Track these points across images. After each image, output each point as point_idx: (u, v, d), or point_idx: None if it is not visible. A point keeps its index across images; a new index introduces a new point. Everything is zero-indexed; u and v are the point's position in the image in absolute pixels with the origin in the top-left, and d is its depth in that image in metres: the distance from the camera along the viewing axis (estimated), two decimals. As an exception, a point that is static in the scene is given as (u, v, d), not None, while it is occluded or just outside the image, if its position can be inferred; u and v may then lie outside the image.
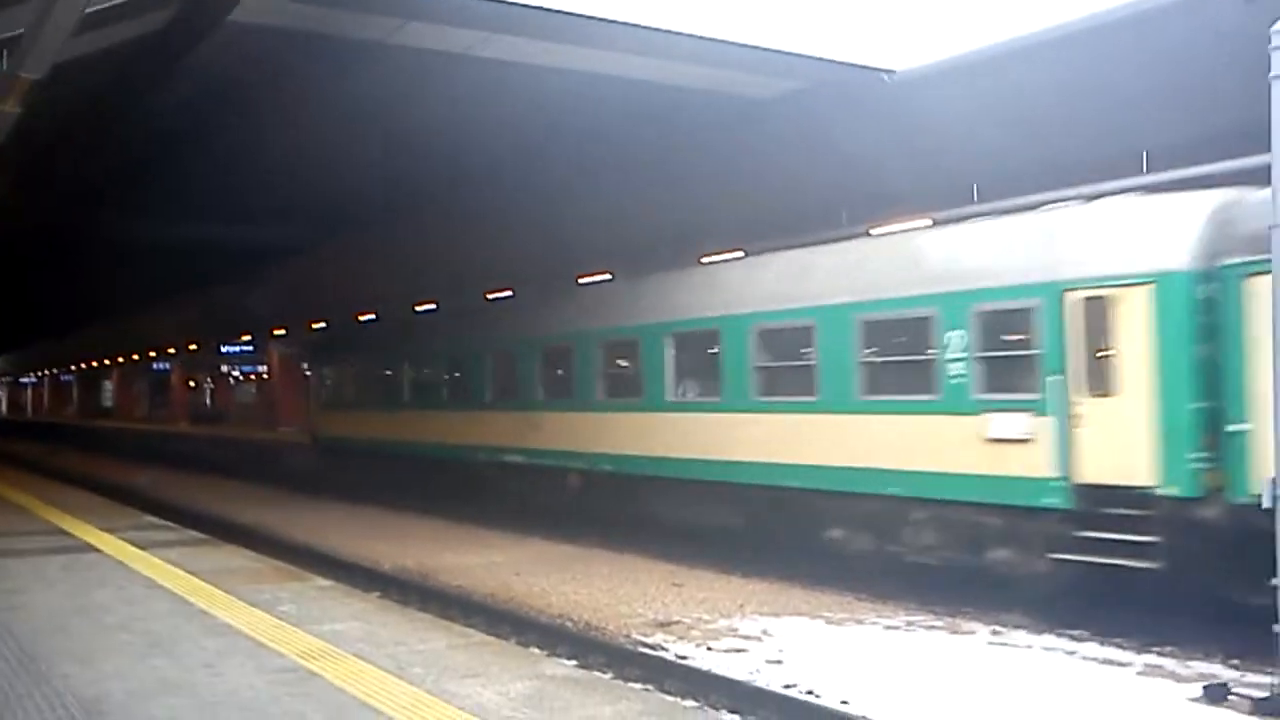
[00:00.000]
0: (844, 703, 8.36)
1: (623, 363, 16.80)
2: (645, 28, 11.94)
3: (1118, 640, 10.01)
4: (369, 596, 11.23)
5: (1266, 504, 7.69)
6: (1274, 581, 7.58)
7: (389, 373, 24.28)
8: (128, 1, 10.90)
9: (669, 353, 15.57)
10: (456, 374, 21.56)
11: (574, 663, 9.35)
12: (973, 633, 10.60)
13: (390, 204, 24.08)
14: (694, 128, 17.53)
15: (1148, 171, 12.87)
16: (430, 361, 22.81)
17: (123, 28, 12.06)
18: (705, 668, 9.48)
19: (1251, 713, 7.78)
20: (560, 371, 18.08)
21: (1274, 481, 7.63)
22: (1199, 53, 11.66)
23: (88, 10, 9.20)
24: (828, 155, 16.71)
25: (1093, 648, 9.92)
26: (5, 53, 10.62)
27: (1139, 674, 9.11)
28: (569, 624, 11.37)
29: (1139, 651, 9.70)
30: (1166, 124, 13.00)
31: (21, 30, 9.72)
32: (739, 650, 10.25)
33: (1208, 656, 9.44)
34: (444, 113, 16.52)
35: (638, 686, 8.77)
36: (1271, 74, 7.88)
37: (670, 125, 17.45)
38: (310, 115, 17.24)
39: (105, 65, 13.17)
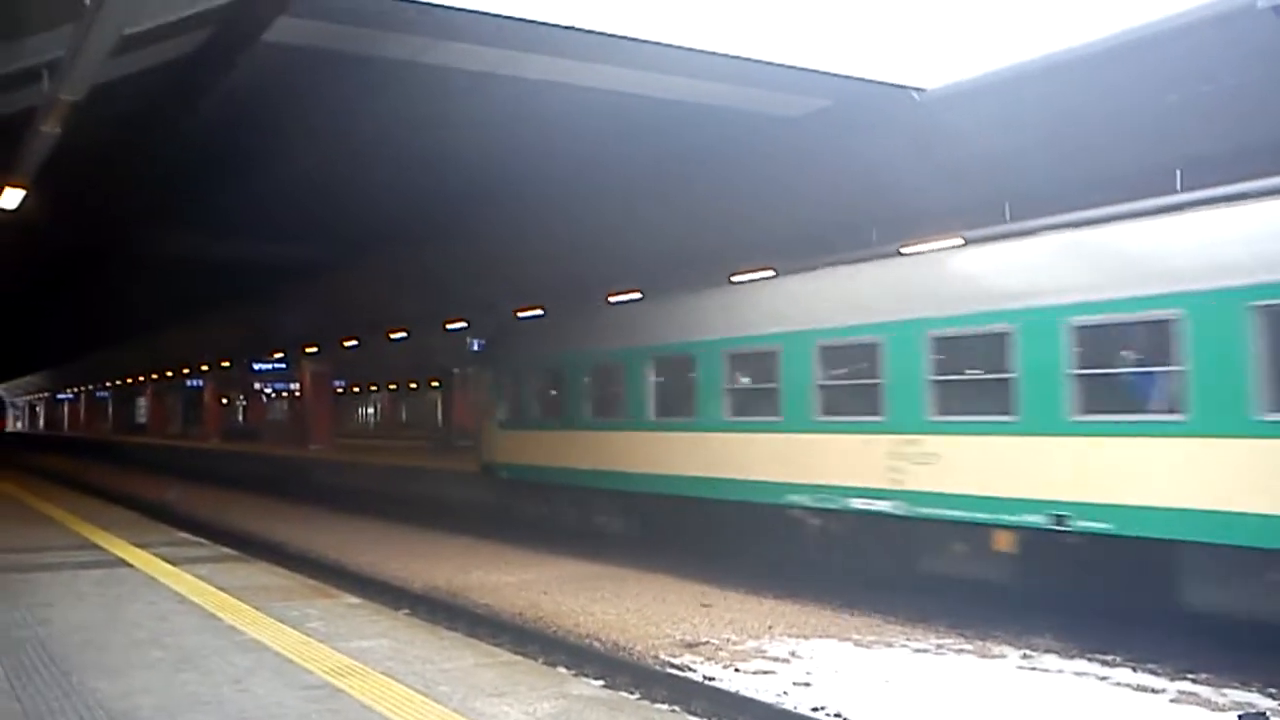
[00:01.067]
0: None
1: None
2: (675, 46, 11.99)
3: (1151, 666, 9.86)
4: (397, 614, 11.24)
5: None
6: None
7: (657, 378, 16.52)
8: (164, 24, 11.06)
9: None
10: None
11: (601, 683, 9.32)
12: (1003, 656, 10.47)
13: (425, 218, 24.17)
14: (724, 145, 17.60)
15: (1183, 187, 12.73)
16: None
17: (159, 49, 12.24)
18: (733, 689, 9.42)
19: (1288, 740, 7.67)
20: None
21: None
22: (1232, 67, 11.59)
23: (125, 33, 9.35)
24: (857, 173, 16.73)
25: (1125, 673, 9.77)
26: (46, 75, 10.81)
27: (1172, 701, 8.96)
28: (596, 644, 11.34)
29: (1172, 678, 9.54)
30: (1201, 137, 12.93)
31: (61, 53, 9.88)
32: (767, 672, 10.19)
33: (1244, 685, 9.28)
34: (475, 133, 16.65)
35: (664, 707, 8.72)
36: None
37: (700, 143, 17.53)
38: (342, 133, 17.43)
39: (141, 86, 13.37)
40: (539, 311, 23.96)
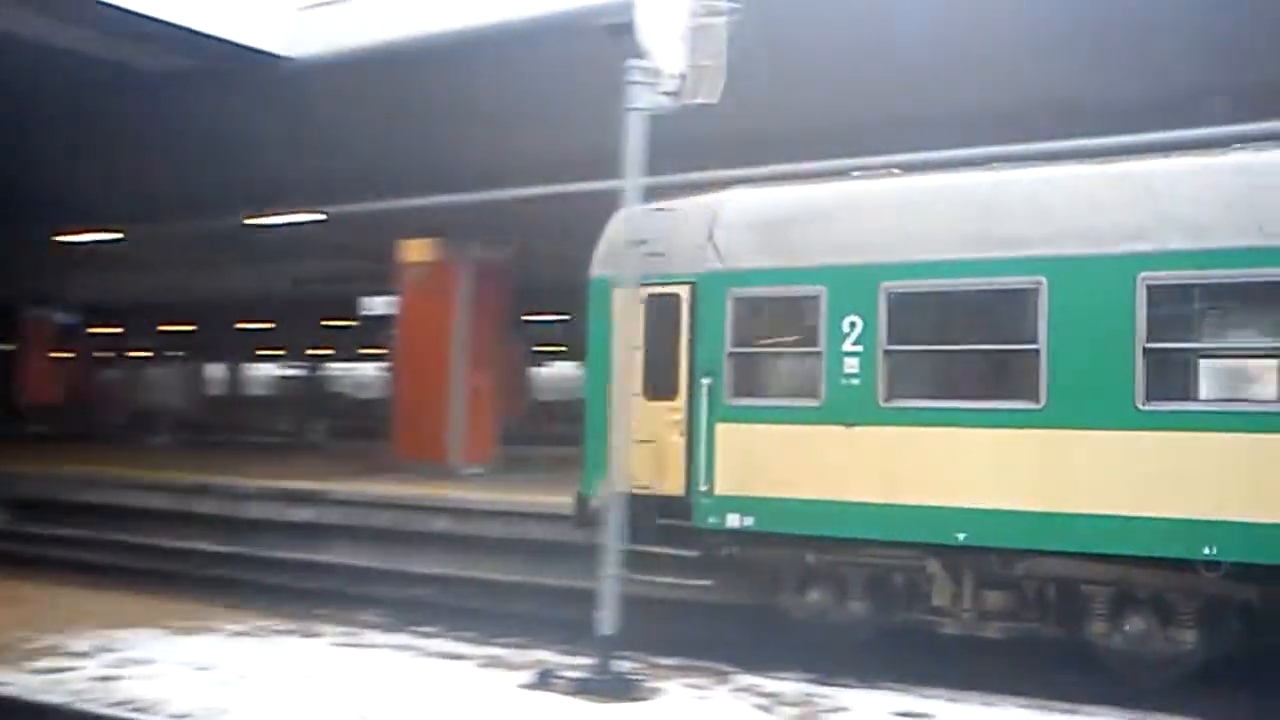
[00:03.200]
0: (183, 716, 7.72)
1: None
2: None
3: (467, 635, 10.34)
4: None
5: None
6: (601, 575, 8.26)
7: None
8: None
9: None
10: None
11: None
12: (322, 634, 10.38)
13: None
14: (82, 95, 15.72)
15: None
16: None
17: None
18: (12, 694, 8.27)
19: (568, 692, 8.33)
20: None
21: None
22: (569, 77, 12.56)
23: None
24: (219, 136, 15.85)
25: (440, 644, 10.13)
26: None
27: (479, 665, 9.40)
28: None
29: (481, 645, 10.05)
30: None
31: None
32: (64, 669, 9.10)
33: (544, 646, 10.01)
34: None
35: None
36: (627, 106, 8.52)
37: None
38: None
39: None
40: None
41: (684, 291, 10.34)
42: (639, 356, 10.05)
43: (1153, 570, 8.76)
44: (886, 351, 9.45)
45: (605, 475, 8.93)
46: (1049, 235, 9.03)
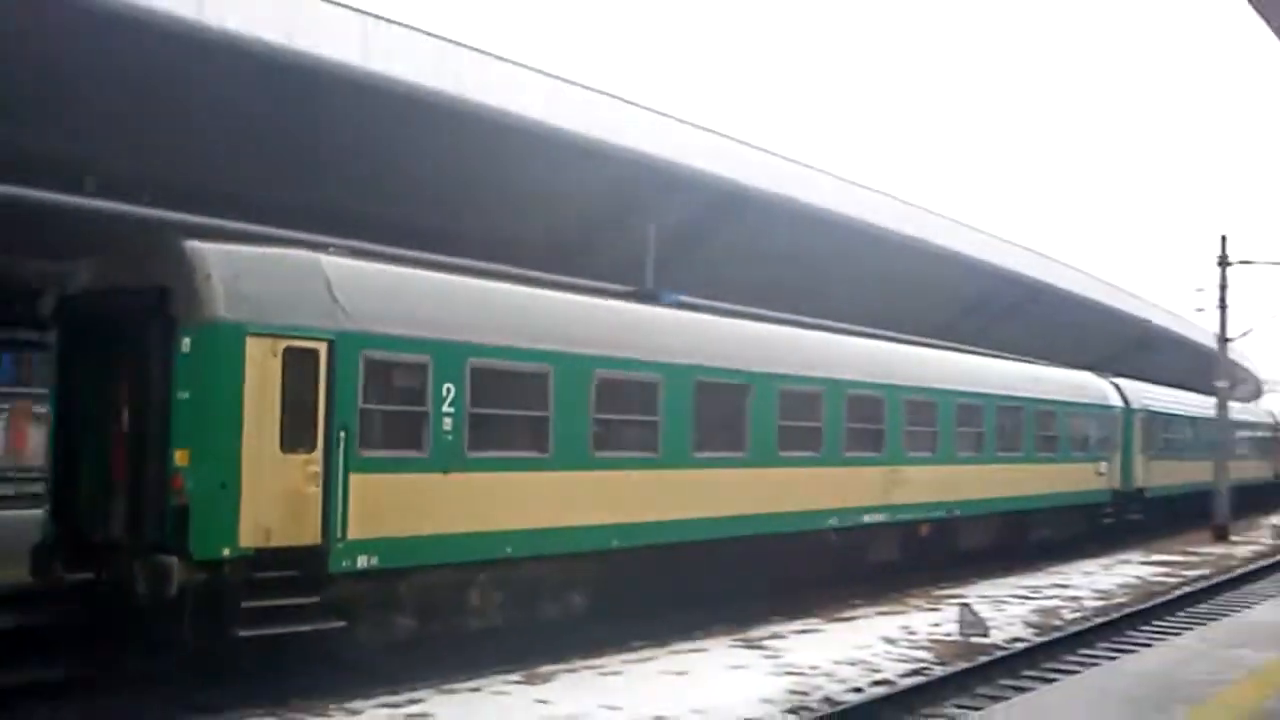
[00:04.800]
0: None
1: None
2: None
3: None
4: None
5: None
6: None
7: None
8: None
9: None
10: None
11: None
12: None
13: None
14: None
15: None
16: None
17: None
18: None
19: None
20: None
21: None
22: None
23: None
24: None
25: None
26: None
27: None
28: None
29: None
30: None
31: None
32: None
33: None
34: None
35: None
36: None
37: None
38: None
39: None
40: None
41: (322, 348, 10.74)
42: (276, 408, 10.35)
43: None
44: (470, 414, 12.00)
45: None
46: (557, 336, 13.06)
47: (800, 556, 16.71)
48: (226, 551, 10.02)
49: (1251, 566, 22.92)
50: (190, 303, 10.21)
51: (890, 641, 13.81)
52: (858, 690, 11.33)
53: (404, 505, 11.39)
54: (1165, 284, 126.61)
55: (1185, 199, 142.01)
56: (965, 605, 14.57)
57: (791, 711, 10.47)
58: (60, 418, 11.48)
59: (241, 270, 10.56)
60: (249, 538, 10.11)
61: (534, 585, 12.94)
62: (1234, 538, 28.77)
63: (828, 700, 10.86)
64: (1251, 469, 40.89)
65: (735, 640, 13.65)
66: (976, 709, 10.44)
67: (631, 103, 20.23)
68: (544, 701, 10.42)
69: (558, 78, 18.63)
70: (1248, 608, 14.19)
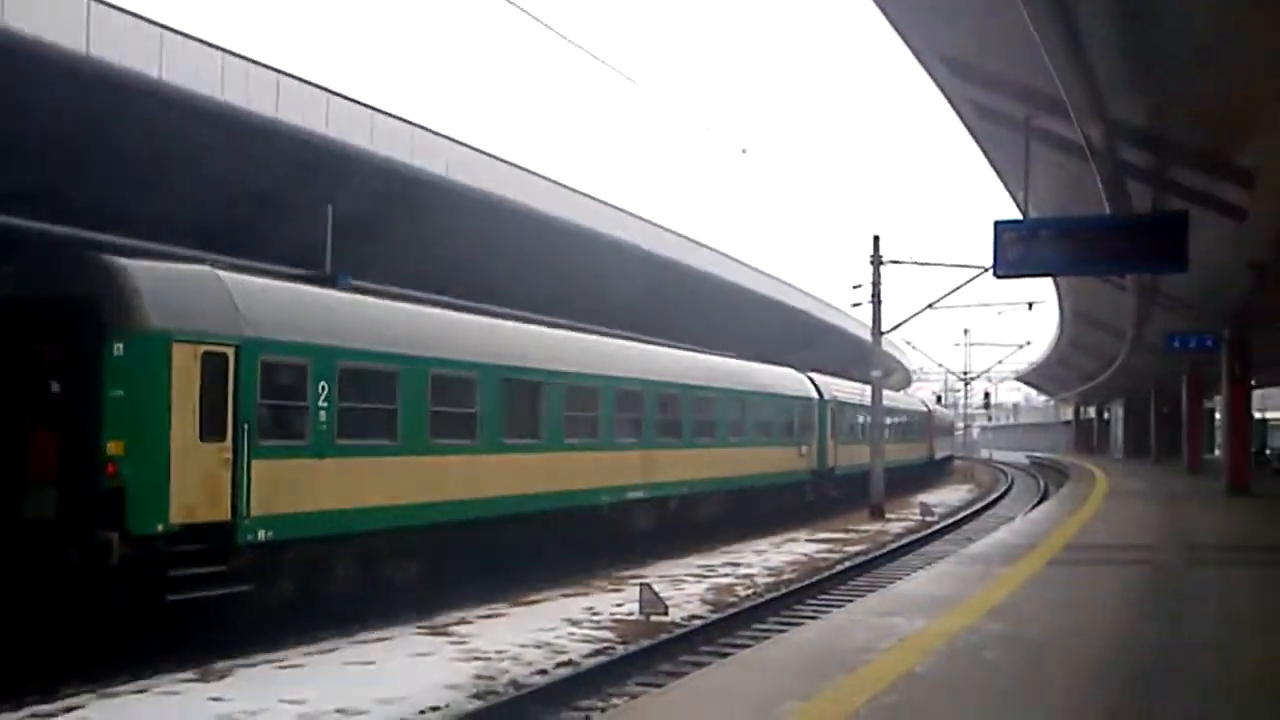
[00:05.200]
0: None
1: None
2: None
3: None
4: None
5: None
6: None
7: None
8: None
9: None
10: None
11: None
12: None
13: None
14: None
15: None
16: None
17: None
18: None
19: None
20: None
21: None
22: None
23: None
24: None
25: None
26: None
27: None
28: None
29: None
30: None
31: None
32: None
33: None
34: None
35: None
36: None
37: None
38: None
39: None
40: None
41: (231, 352, 12.55)
42: (195, 403, 12.16)
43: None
44: (339, 407, 14.01)
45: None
46: (402, 342, 15.21)
47: (586, 528, 19.53)
48: (160, 527, 11.59)
49: (903, 541, 24.19)
50: (121, 312, 11.70)
51: (575, 623, 13.92)
52: (543, 672, 11.42)
53: (291, 486, 13.28)
54: (830, 281, 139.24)
55: (850, 205, 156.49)
56: (645, 585, 14.78)
57: (477, 696, 10.40)
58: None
59: (162, 284, 12.17)
60: (177, 515, 11.74)
61: (384, 555, 15.06)
62: (889, 515, 30.34)
63: (514, 684, 10.91)
64: (910, 451, 47.20)
65: (421, 628, 13.69)
66: (659, 685, 10.52)
67: (310, 83, 20.99)
68: (219, 699, 10.07)
69: (231, 52, 19.31)
70: (900, 579, 14.37)
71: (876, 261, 30.71)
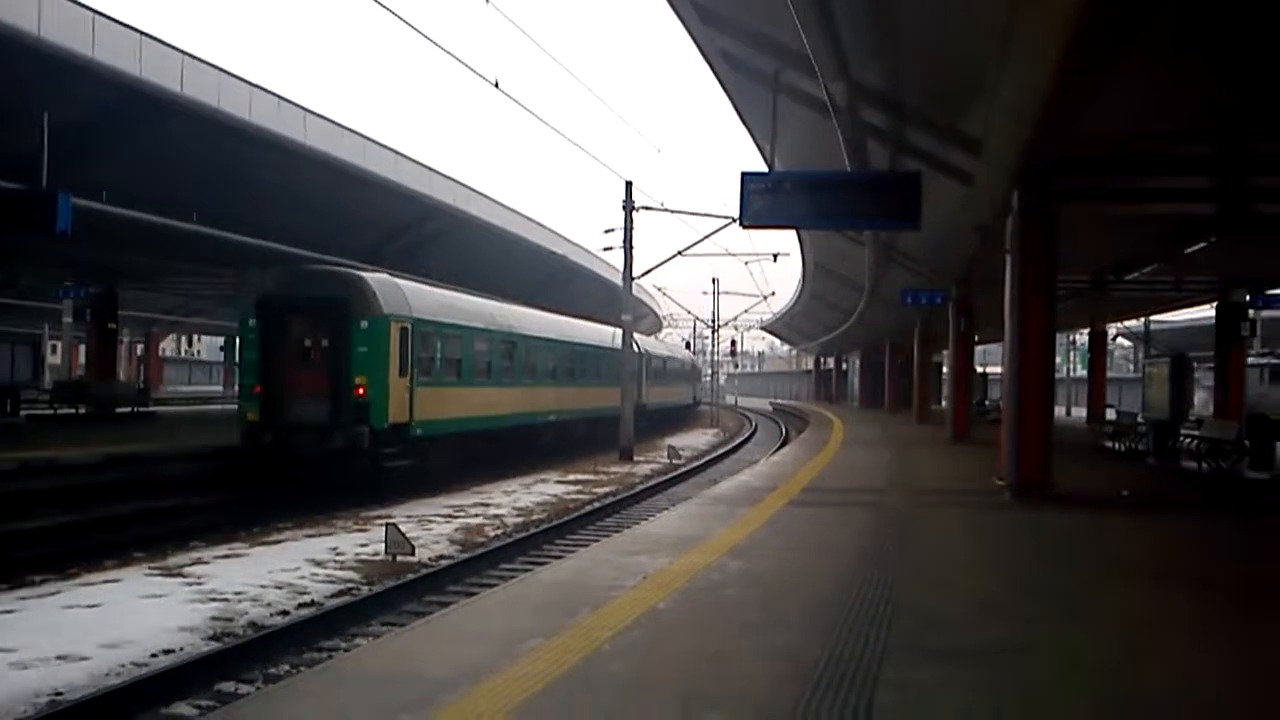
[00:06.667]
0: None
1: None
2: None
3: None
4: None
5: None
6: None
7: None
8: None
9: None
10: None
11: None
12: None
13: None
14: None
15: None
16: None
17: None
18: None
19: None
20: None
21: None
22: None
23: None
24: None
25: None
26: None
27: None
28: None
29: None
30: None
31: None
32: None
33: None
34: None
35: None
36: None
37: None
38: None
39: None
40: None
41: (409, 325, 22.40)
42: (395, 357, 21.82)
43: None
44: (446, 358, 24.53)
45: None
46: (472, 316, 26.80)
47: (535, 439, 31.23)
48: (384, 425, 21.23)
49: (651, 483, 24.96)
50: (364, 305, 21.46)
51: (318, 564, 13.65)
52: (284, 613, 11.13)
53: (429, 403, 23.13)
54: (583, 225, 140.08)
55: (606, 151, 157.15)
56: (391, 525, 14.57)
57: (214, 638, 10.09)
58: (263, 363, 21.33)
59: (381, 287, 22.06)
60: (390, 418, 21.43)
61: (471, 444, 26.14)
62: (638, 458, 31.44)
63: (253, 625, 10.63)
64: (679, 395, 54.12)
65: (153, 569, 13.14)
66: (403, 625, 10.28)
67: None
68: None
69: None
70: (646, 520, 14.17)
71: (629, 207, 31.23)
